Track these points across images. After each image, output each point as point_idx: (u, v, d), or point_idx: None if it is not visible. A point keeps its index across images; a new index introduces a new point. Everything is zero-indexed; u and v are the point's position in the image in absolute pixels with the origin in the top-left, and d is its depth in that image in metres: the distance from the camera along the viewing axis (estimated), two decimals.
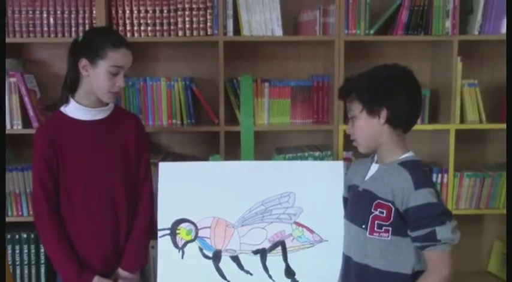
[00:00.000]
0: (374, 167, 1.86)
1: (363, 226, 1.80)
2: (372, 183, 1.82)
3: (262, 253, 2.17)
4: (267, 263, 2.17)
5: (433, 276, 1.70)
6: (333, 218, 2.17)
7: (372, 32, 2.76)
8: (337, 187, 2.19)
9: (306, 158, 2.70)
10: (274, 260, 2.18)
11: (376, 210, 1.76)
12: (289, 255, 2.18)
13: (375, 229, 1.77)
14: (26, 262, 2.74)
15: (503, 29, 2.75)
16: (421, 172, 1.78)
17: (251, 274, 2.16)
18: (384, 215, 1.75)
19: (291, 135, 3.02)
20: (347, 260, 1.91)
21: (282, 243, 2.18)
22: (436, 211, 1.68)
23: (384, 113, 1.76)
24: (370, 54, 2.94)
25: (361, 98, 1.78)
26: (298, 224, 2.18)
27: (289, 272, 2.17)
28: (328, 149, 2.77)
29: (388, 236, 1.75)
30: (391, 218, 1.74)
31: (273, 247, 2.18)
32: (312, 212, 2.18)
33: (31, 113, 2.68)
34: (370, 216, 1.77)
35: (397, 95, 1.75)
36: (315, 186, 2.19)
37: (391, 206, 1.73)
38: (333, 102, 2.77)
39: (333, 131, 2.76)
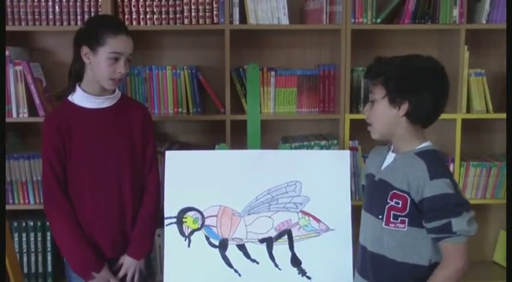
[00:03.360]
0: (390, 156, 1.84)
1: (379, 216, 1.78)
2: (387, 173, 1.80)
3: (269, 242, 2.17)
4: (273, 252, 2.17)
5: (448, 268, 1.69)
6: (339, 207, 2.17)
7: (378, 20, 2.74)
8: (343, 176, 2.19)
9: (312, 147, 2.69)
10: (281, 248, 2.17)
11: (392, 201, 1.74)
12: (295, 244, 2.18)
13: (391, 220, 1.75)
14: (32, 250, 2.76)
15: None
16: (437, 162, 1.75)
17: (257, 263, 2.16)
18: (400, 205, 1.73)
19: (297, 124, 3.02)
20: (363, 250, 1.89)
21: (288, 232, 2.18)
22: (452, 202, 1.66)
23: (404, 106, 1.73)
24: (376, 43, 2.93)
25: (386, 84, 1.75)
26: (305, 213, 2.18)
27: (296, 261, 2.17)
28: (334, 138, 2.77)
29: (404, 227, 1.73)
30: (407, 209, 1.72)
31: (279, 236, 2.18)
32: (319, 201, 2.18)
33: (37, 101, 2.68)
34: (386, 207, 1.75)
35: (422, 92, 1.72)
36: (321, 176, 2.18)
37: (407, 196, 1.71)
38: (339, 91, 2.76)
39: (339, 120, 2.75)
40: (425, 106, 1.73)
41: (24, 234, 2.74)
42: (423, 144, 1.79)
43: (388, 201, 1.75)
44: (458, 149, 2.76)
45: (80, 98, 2.11)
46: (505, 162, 2.83)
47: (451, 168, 2.78)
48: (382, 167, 1.84)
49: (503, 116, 2.81)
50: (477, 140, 3.02)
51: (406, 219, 1.73)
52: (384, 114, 1.77)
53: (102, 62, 2.04)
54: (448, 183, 1.68)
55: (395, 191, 1.74)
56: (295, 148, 2.66)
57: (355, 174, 2.72)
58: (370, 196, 1.88)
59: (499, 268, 3.01)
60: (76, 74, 2.12)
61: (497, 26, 2.77)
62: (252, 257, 2.17)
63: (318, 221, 2.18)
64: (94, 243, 2.13)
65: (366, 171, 1.97)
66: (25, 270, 2.76)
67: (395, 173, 1.76)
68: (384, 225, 1.77)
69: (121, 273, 2.19)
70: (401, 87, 1.72)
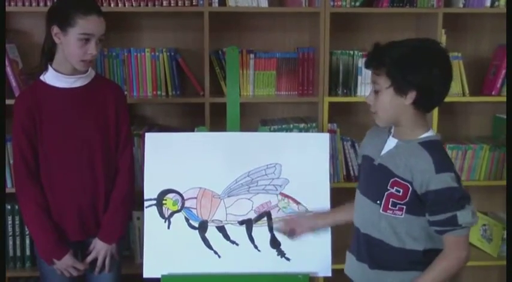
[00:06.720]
0: (391, 142, 1.80)
1: (377, 201, 1.77)
2: (388, 159, 1.77)
3: (248, 223, 2.19)
4: (253, 234, 2.19)
5: (451, 258, 1.71)
6: (318, 190, 2.20)
7: (357, 4, 2.74)
8: (322, 159, 2.22)
9: (291, 130, 2.70)
10: (260, 230, 2.20)
11: (393, 188, 1.73)
12: (274, 226, 2.20)
13: (389, 206, 1.74)
14: (10, 233, 2.73)
15: (488, 2, 2.76)
16: (442, 154, 1.75)
17: (237, 244, 2.18)
18: (401, 193, 1.72)
19: (276, 107, 3.02)
20: (358, 232, 1.88)
21: (267, 214, 2.20)
22: (456, 195, 1.67)
23: (412, 95, 1.69)
24: (355, 27, 2.93)
25: (391, 75, 1.70)
26: (284, 195, 2.20)
27: (275, 242, 2.20)
28: (312, 121, 2.78)
29: (401, 214, 1.73)
30: (407, 198, 1.71)
31: (259, 218, 2.20)
32: (298, 183, 2.20)
33: (13, 83, 2.64)
34: (386, 193, 1.74)
35: (430, 79, 1.68)
36: (301, 158, 2.21)
37: (409, 186, 1.70)
38: (318, 74, 2.77)
39: (317, 103, 2.77)
40: (433, 92, 1.71)
41: None
42: (427, 134, 1.76)
43: (389, 188, 1.74)
44: (435, 131, 2.79)
45: (51, 77, 2.08)
46: (480, 145, 2.87)
47: None
48: (383, 152, 1.81)
49: (479, 99, 2.86)
50: (453, 123, 3.06)
51: (404, 207, 1.73)
52: (389, 104, 1.73)
53: (73, 43, 2.00)
54: (452, 177, 1.68)
55: (396, 178, 1.72)
56: (274, 131, 2.66)
57: (333, 156, 2.74)
58: (367, 180, 1.86)
59: (475, 249, 3.05)
60: (48, 53, 2.09)
61: (474, 10, 2.79)
62: (232, 238, 2.19)
63: (297, 203, 2.21)
64: (64, 226, 2.12)
65: (362, 152, 1.94)
66: None
67: (398, 160, 1.74)
68: (381, 211, 1.76)
69: (89, 258, 2.17)
70: (407, 76, 1.68)
